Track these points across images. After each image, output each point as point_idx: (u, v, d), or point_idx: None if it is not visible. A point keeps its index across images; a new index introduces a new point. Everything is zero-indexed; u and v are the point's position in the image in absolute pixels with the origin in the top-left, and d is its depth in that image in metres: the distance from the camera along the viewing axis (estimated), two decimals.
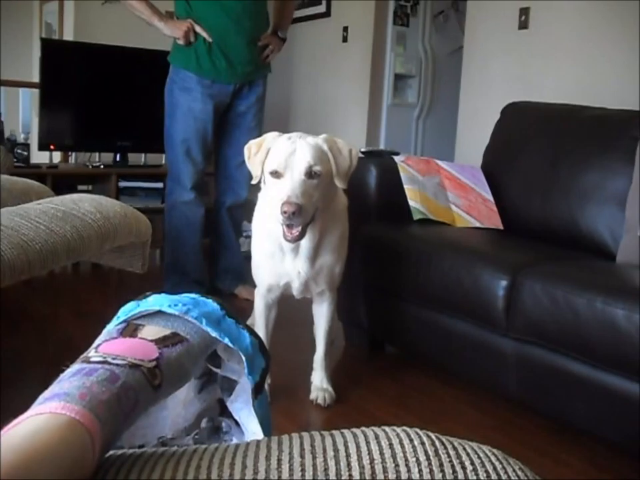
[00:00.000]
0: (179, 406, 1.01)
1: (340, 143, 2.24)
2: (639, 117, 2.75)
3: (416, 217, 2.90)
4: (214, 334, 0.90)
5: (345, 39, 5.31)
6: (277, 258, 2.34)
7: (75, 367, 0.77)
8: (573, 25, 3.75)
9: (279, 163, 2.10)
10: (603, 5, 3.60)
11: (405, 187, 2.95)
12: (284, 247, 2.29)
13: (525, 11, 3.99)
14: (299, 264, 2.32)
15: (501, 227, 3.01)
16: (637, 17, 3.42)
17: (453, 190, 3.06)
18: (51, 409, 0.66)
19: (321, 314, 2.54)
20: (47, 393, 0.71)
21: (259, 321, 2.49)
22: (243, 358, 0.91)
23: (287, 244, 2.25)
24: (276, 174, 2.11)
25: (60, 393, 0.70)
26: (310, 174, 2.09)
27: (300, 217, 2.04)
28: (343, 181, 2.23)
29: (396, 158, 3.06)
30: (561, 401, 2.23)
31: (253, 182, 2.28)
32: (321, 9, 5.50)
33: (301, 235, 2.14)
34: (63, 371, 0.77)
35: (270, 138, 2.21)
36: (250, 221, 2.75)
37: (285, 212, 2.02)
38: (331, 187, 2.22)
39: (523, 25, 4.01)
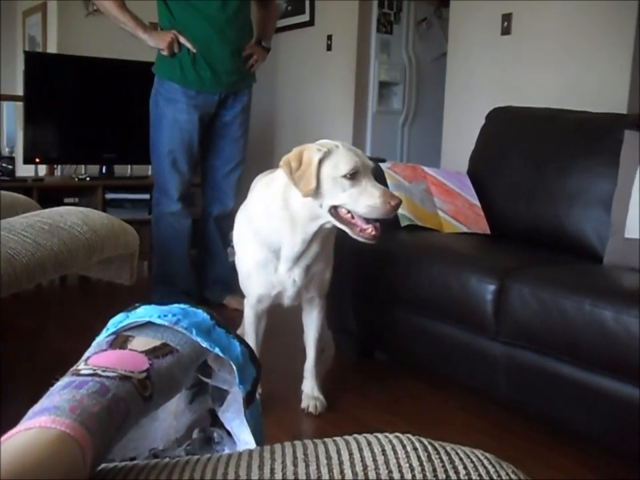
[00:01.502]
0: (170, 417, 1.01)
1: None
2: (621, 119, 2.77)
3: (403, 223, 2.90)
4: (204, 344, 0.89)
5: (329, 48, 5.33)
6: (271, 267, 2.33)
7: (64, 380, 0.77)
8: (555, 29, 3.78)
9: (356, 163, 2.11)
10: (585, 9, 3.62)
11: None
12: (284, 255, 2.28)
13: (507, 17, 4.01)
14: (296, 272, 2.32)
15: (488, 232, 3.02)
16: (620, 20, 3.45)
17: (439, 196, 3.07)
18: (41, 423, 0.66)
19: (311, 322, 2.53)
20: (36, 407, 0.71)
21: (249, 331, 2.49)
22: (234, 367, 0.91)
23: (290, 252, 2.26)
24: (354, 175, 2.11)
25: (50, 406, 0.69)
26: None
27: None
28: None
29: (382, 165, 3.07)
30: (551, 403, 2.23)
31: (306, 196, 2.15)
32: (305, 17, 5.51)
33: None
34: (52, 384, 0.76)
35: (313, 149, 2.15)
36: None
37: (395, 205, 2.07)
38: None
39: (506, 31, 4.03)
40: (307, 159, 2.13)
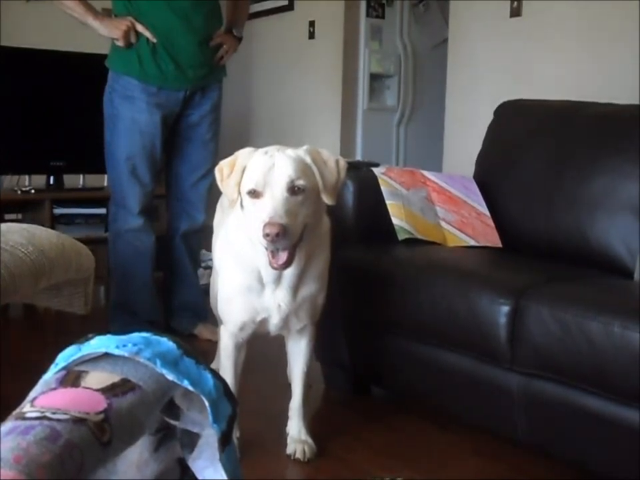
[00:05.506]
0: (132, 469, 1.00)
1: (324, 154, 2.27)
2: None
3: (401, 236, 2.90)
4: (171, 377, 0.89)
5: (311, 35, 5.35)
6: (255, 291, 2.33)
7: (7, 424, 0.76)
8: (572, 9, 3.79)
9: (256, 180, 2.10)
10: None
11: (387, 202, 2.96)
12: (264, 277, 2.29)
13: None
14: (280, 295, 2.32)
15: (500, 245, 3.03)
16: None
17: (442, 204, 3.07)
18: None
19: (299, 353, 2.52)
20: None
21: (226, 364, 2.47)
22: (206, 403, 0.90)
23: (268, 274, 2.26)
24: (254, 193, 2.11)
25: None
26: (293, 189, 2.10)
27: (285, 238, 2.04)
28: (331, 197, 2.24)
29: (375, 170, 3.07)
30: (579, 443, 2.23)
31: (230, 207, 2.28)
32: (283, 1, 5.53)
33: (290, 261, 2.14)
34: None
35: (244, 155, 2.21)
36: (209, 249, 2.72)
37: (268, 234, 2.01)
38: (318, 204, 2.24)
39: (516, 12, 4.05)
40: (236, 167, 2.18)
